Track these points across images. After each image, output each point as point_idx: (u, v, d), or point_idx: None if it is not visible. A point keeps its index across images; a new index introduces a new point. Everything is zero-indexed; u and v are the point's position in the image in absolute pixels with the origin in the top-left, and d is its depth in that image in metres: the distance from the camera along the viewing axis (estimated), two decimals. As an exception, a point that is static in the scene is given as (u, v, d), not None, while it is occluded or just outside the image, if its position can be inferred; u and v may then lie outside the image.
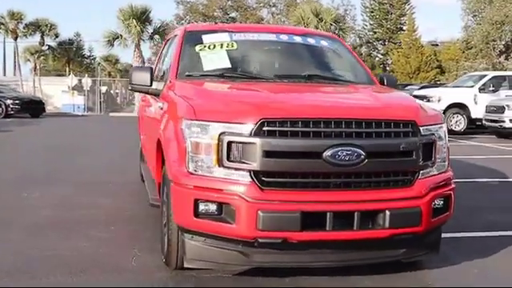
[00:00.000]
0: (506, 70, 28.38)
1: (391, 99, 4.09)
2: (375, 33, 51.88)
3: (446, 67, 42.43)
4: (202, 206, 3.52)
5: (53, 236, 4.96)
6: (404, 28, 51.43)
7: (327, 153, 3.45)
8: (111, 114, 30.83)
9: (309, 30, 5.66)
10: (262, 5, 42.12)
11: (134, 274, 4.04)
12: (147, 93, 4.90)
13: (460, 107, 17.63)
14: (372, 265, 3.98)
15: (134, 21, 26.90)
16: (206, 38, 5.04)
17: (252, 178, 3.47)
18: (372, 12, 52.23)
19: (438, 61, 44.16)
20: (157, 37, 29.61)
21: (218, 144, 3.49)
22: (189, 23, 42.00)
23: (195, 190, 3.54)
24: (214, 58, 4.81)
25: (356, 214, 3.52)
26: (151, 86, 4.80)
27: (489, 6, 33.04)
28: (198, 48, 4.94)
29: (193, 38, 5.08)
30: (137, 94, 29.84)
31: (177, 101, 4.04)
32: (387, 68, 46.06)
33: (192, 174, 3.58)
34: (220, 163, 3.50)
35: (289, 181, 3.49)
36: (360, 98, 4.10)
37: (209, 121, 3.55)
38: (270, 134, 3.45)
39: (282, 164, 3.46)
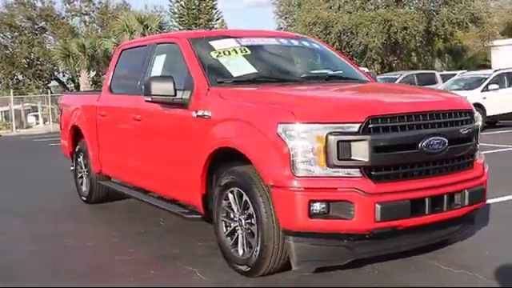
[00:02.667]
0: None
1: (443, 92, 4.55)
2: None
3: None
4: (316, 206, 3.61)
5: (79, 272, 4.53)
6: (214, 32, 53.06)
7: (422, 143, 3.77)
8: None
9: (297, 35, 5.88)
10: (73, 13, 40.31)
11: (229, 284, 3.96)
12: (171, 103, 4.71)
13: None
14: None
15: None
16: (216, 45, 5.02)
17: (363, 173, 3.65)
18: (181, 18, 52.81)
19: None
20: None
21: (326, 144, 3.61)
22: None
23: (308, 192, 3.61)
24: (237, 63, 4.83)
25: (445, 196, 3.89)
26: (176, 95, 4.65)
27: (299, 9, 35.63)
28: (214, 55, 4.90)
29: (201, 45, 5.02)
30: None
31: (253, 106, 4.03)
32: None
33: (300, 176, 3.64)
34: (329, 162, 3.62)
35: (393, 172, 3.74)
36: (422, 93, 4.49)
37: (313, 123, 3.65)
38: (376, 130, 3.67)
39: (388, 157, 3.70)
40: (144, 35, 30.56)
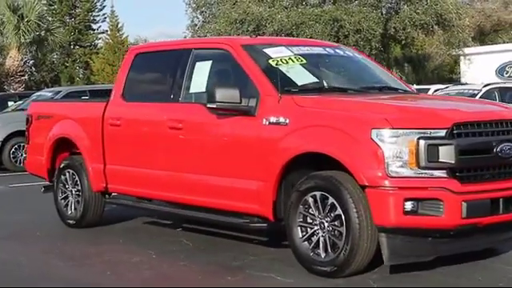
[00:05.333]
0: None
1: (500, 104, 6.67)
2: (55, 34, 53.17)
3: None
4: (409, 204, 5.52)
5: (152, 282, 6.21)
6: (94, 27, 54.41)
7: (497, 148, 5.80)
8: None
9: (337, 44, 7.92)
10: None
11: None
12: (236, 110, 6.48)
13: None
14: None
15: None
16: (271, 52, 6.88)
17: (449, 174, 5.62)
18: (51, 5, 53.29)
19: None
20: None
21: (417, 148, 5.55)
22: None
23: (402, 191, 5.52)
24: (297, 72, 6.72)
25: (513, 198, 5.95)
26: (241, 102, 6.45)
27: (220, 1, 37.60)
28: (273, 63, 6.76)
29: (257, 53, 6.86)
30: None
31: (341, 113, 5.93)
32: (91, 79, 47.97)
33: (393, 177, 5.56)
34: (419, 164, 5.56)
35: (474, 174, 5.74)
36: (487, 103, 6.59)
37: (405, 128, 5.58)
38: (459, 135, 5.66)
39: (470, 160, 5.70)
40: (18, 28, 31.67)
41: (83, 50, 52.93)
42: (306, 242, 6.07)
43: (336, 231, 5.86)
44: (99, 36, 54.35)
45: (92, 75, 48.19)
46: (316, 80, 6.78)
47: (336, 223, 5.85)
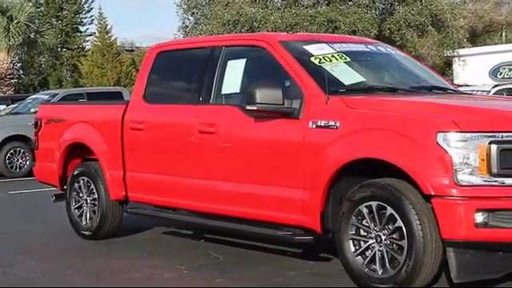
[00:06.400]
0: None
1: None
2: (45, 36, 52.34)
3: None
4: (481, 215, 4.99)
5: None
6: (81, 29, 53.63)
7: None
8: None
9: (376, 41, 7.38)
10: None
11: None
12: (277, 112, 5.91)
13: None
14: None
15: None
16: (312, 50, 6.33)
17: (525, 181, 5.09)
18: (38, 7, 52.33)
19: (137, 70, 47.22)
20: None
21: (488, 153, 5.01)
22: None
23: (473, 201, 4.98)
24: (342, 71, 6.17)
25: None
26: (284, 104, 5.89)
27: (211, 3, 37.09)
28: (315, 61, 6.20)
29: (297, 50, 6.31)
30: None
31: (401, 116, 5.39)
32: (79, 82, 47.12)
33: (463, 185, 5.01)
34: (491, 171, 5.02)
35: (549, 182, 5.21)
36: None
37: (475, 132, 5.04)
38: (533, 139, 5.14)
39: (547, 166, 5.17)
40: (8, 30, 30.99)
41: (71, 53, 52.08)
42: (359, 257, 5.53)
43: (395, 245, 5.33)
44: (87, 38, 53.51)
45: (80, 78, 47.31)
46: (363, 79, 6.24)
47: (395, 236, 5.32)
